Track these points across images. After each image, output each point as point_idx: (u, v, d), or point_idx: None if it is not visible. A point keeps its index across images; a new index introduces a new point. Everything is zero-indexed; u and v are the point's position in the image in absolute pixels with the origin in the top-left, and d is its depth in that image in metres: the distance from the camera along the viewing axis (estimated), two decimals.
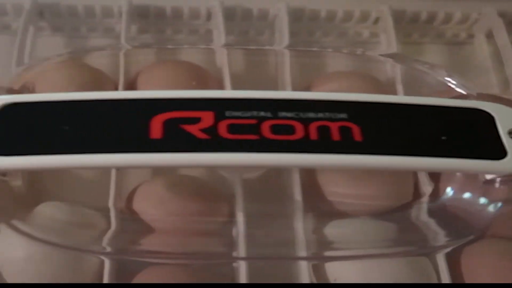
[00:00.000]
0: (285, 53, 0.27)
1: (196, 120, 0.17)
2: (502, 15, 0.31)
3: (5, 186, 0.17)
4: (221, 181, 0.24)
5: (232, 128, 0.17)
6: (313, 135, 0.16)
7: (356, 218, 0.23)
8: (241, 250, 0.21)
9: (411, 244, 0.22)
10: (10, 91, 0.19)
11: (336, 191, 0.23)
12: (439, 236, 0.21)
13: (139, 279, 0.21)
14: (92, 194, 0.23)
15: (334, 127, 0.17)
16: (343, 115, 0.17)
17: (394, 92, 0.26)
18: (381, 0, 0.30)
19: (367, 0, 0.31)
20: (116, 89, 0.25)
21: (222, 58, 0.27)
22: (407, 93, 0.25)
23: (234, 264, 0.22)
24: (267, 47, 0.29)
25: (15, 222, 0.18)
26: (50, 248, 0.21)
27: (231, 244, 0.22)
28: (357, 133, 0.17)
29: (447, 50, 0.32)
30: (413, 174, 0.24)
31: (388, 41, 0.29)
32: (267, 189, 0.24)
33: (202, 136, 0.16)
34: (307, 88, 0.27)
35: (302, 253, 0.22)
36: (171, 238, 0.21)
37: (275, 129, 0.17)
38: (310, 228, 0.22)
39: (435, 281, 0.21)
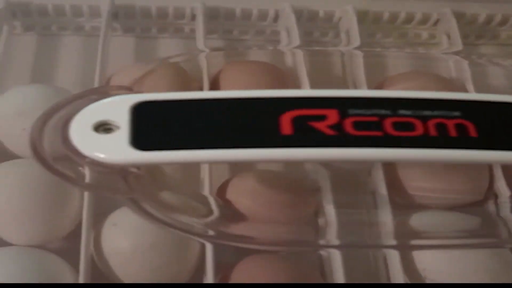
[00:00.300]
0: (356, 54, 0.28)
1: (322, 118, 0.18)
2: None
3: (135, 177, 0.18)
4: (307, 175, 0.25)
5: (357, 125, 0.18)
6: (432, 131, 0.18)
7: (438, 210, 0.24)
8: (331, 238, 0.23)
9: (494, 237, 0.23)
10: (130, 90, 0.20)
11: (418, 185, 0.25)
12: None
13: (239, 268, 0.23)
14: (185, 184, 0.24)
15: (450, 124, 0.18)
16: (457, 113, 0.18)
17: (466, 90, 0.27)
18: (442, 3, 0.32)
19: (428, 2, 0.32)
20: (200, 89, 0.26)
21: (297, 59, 0.28)
22: (479, 90, 0.27)
23: (323, 253, 0.23)
24: (336, 48, 0.30)
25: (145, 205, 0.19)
26: (159, 236, 0.22)
27: (320, 232, 0.23)
28: (472, 129, 0.18)
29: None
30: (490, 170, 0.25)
31: (452, 40, 0.31)
32: (352, 182, 0.25)
33: (330, 132, 0.18)
34: (379, 88, 0.28)
35: (390, 241, 0.23)
36: (264, 226, 0.23)
37: (396, 126, 0.18)
38: (396, 218, 0.24)
39: None
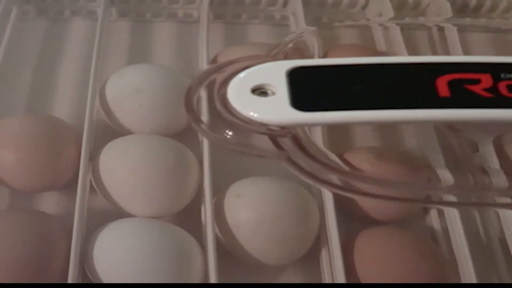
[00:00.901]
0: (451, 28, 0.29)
1: (477, 81, 0.18)
2: None
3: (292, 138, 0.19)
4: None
5: (510, 88, 0.18)
6: None
7: None
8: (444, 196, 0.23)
9: None
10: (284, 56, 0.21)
11: None
12: None
13: (361, 236, 0.23)
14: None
15: None
16: None
17: None
18: None
19: None
20: None
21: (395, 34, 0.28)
22: None
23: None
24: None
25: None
26: (280, 210, 0.23)
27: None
28: None
29: None
30: None
31: None
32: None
33: (487, 94, 0.18)
34: None
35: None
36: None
37: None
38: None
39: None
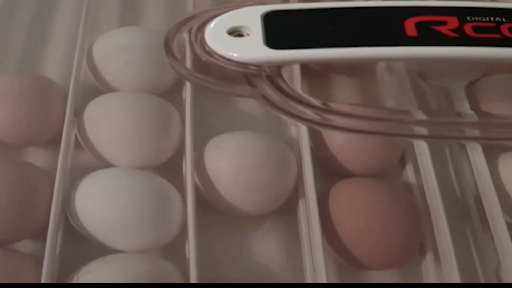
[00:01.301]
0: None
1: (443, 23, 0.19)
2: None
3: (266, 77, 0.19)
4: None
5: (476, 29, 0.19)
6: None
7: None
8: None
9: None
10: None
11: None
12: None
13: (339, 186, 0.24)
14: None
15: None
16: None
17: None
18: None
19: None
20: None
21: None
22: None
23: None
24: None
25: None
26: (258, 160, 0.23)
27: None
28: None
29: None
30: None
31: None
32: None
33: (452, 34, 0.19)
34: None
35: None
36: None
37: None
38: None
39: None
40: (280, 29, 0.19)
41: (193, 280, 0.20)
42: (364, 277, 0.24)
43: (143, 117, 0.25)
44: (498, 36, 0.19)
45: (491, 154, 0.24)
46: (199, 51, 0.19)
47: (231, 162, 0.24)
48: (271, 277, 0.24)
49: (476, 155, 0.24)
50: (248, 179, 0.23)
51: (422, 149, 0.24)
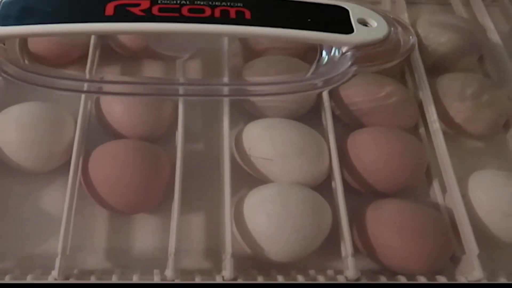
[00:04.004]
0: None
1: (137, 5, 0.25)
2: None
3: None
4: None
5: (161, 10, 0.24)
6: (217, 14, 0.24)
7: None
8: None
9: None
10: None
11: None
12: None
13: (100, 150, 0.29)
14: None
15: (231, 10, 0.25)
16: (239, 4, 0.25)
17: None
18: None
19: None
20: None
21: None
22: None
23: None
24: None
25: None
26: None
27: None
28: (248, 14, 0.25)
29: None
30: None
31: None
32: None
33: (141, 14, 0.24)
34: None
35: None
36: None
37: (191, 10, 0.24)
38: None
39: None
40: (11, 13, 0.25)
41: None
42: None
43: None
44: (177, 15, 0.24)
45: None
46: None
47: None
48: None
49: None
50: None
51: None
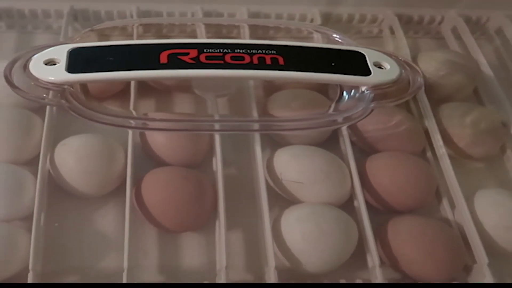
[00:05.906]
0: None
1: (187, 54, 0.29)
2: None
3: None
4: None
5: (208, 58, 0.29)
6: (255, 61, 0.29)
7: None
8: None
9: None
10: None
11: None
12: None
13: (148, 177, 0.33)
14: None
15: (267, 57, 0.29)
16: (273, 51, 0.29)
17: None
18: None
19: None
20: None
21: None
22: None
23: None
24: None
25: None
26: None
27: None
28: (281, 60, 0.29)
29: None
30: None
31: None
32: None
33: (191, 61, 0.28)
34: None
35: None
36: None
37: (233, 58, 0.29)
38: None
39: None
40: (78, 60, 0.29)
41: None
42: None
43: None
44: (222, 62, 0.29)
45: None
46: (25, 76, 0.29)
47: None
48: None
49: None
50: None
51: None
